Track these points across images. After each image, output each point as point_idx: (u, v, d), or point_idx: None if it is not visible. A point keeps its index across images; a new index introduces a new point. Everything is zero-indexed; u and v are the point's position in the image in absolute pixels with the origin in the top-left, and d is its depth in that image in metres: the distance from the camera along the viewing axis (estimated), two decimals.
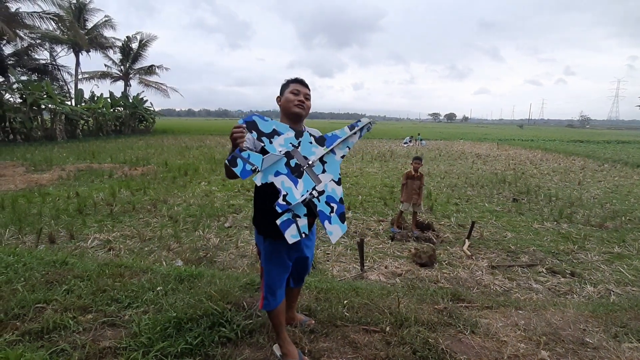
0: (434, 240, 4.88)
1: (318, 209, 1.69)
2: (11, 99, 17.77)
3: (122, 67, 30.87)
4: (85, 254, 3.88)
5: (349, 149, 1.77)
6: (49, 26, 19.97)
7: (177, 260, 3.85)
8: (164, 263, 3.68)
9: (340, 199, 1.72)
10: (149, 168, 10.26)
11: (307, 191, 1.68)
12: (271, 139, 1.68)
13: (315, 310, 2.43)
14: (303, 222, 1.69)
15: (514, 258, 4.33)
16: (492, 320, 2.41)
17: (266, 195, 1.73)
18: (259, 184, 1.65)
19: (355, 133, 1.75)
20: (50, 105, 18.49)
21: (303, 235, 1.70)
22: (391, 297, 2.63)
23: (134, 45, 30.28)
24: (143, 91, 31.12)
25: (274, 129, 1.68)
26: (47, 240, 4.30)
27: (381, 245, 4.63)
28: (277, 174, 1.67)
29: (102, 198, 6.49)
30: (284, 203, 1.65)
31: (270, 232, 1.81)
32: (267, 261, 1.87)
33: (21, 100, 17.58)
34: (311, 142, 1.73)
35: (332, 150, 1.74)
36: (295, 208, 1.67)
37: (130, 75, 31.35)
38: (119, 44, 29.70)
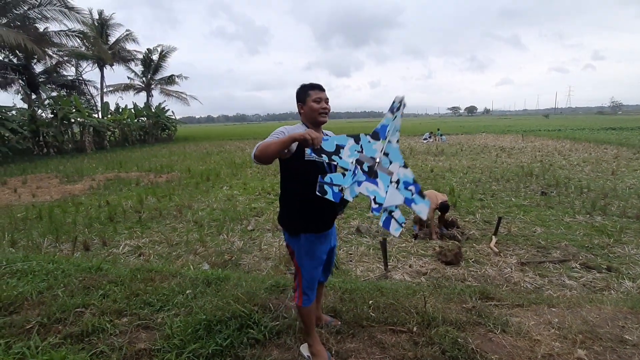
0: (459, 237, 4.78)
1: (403, 196, 1.76)
2: (43, 115, 18.79)
3: (144, 78, 31.95)
4: (117, 260, 4.05)
5: (399, 132, 1.79)
6: (75, 43, 20.96)
7: (204, 264, 3.95)
8: (192, 267, 3.78)
9: (413, 179, 1.77)
10: (173, 175, 10.58)
11: (388, 185, 1.74)
12: (340, 155, 1.74)
13: (340, 310, 2.43)
14: (397, 214, 1.78)
15: (544, 254, 4.18)
16: (523, 318, 2.34)
17: (300, 188, 1.80)
18: (350, 199, 1.74)
19: (396, 115, 1.76)
20: (79, 119, 19.41)
21: (403, 225, 1.79)
22: (417, 297, 2.60)
23: (155, 57, 31.28)
24: (164, 100, 32.13)
25: (336, 145, 1.75)
26: (82, 247, 4.52)
27: (404, 244, 4.58)
28: (359, 183, 1.74)
29: (131, 205, 6.75)
30: (377, 206, 1.74)
31: (304, 227, 1.87)
32: (303, 257, 1.90)
33: (52, 115, 18.54)
34: (369, 141, 1.77)
35: (388, 140, 1.76)
36: (388, 206, 1.76)
37: (152, 86, 32.40)
38: (140, 56, 30.78)
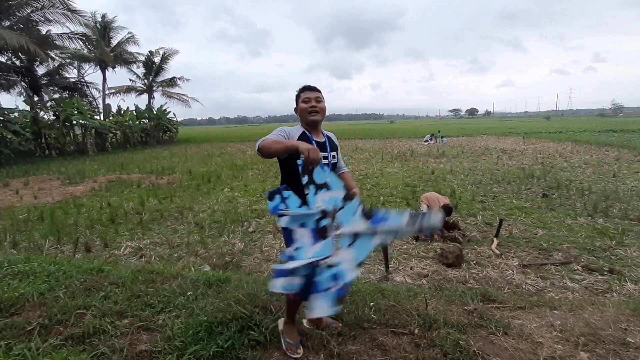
0: (460, 239, 4.77)
1: (316, 278, 1.54)
2: (45, 117, 18.86)
3: (145, 80, 32.07)
4: (118, 262, 4.06)
5: (395, 239, 1.68)
6: (77, 45, 21.03)
7: (205, 266, 3.95)
8: (193, 268, 3.78)
9: (349, 283, 1.56)
10: (174, 177, 10.60)
11: (320, 257, 1.54)
12: (318, 190, 1.58)
13: (341, 312, 2.43)
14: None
15: (546, 256, 4.17)
16: (525, 321, 2.33)
17: (298, 186, 1.80)
18: (281, 225, 1.63)
19: (413, 225, 1.53)
20: (81, 121, 19.48)
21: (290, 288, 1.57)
22: (418, 299, 2.59)
23: (157, 59, 31.42)
24: (166, 102, 32.27)
25: (326, 182, 1.61)
26: (84, 249, 4.52)
27: (405, 246, 4.57)
28: (302, 225, 1.59)
29: (132, 207, 6.76)
30: (292, 255, 1.58)
31: None
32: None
33: (54, 117, 18.61)
34: (355, 213, 1.59)
35: (374, 232, 1.56)
36: (299, 269, 1.53)
37: (154, 88, 32.50)
38: (142, 58, 30.90)
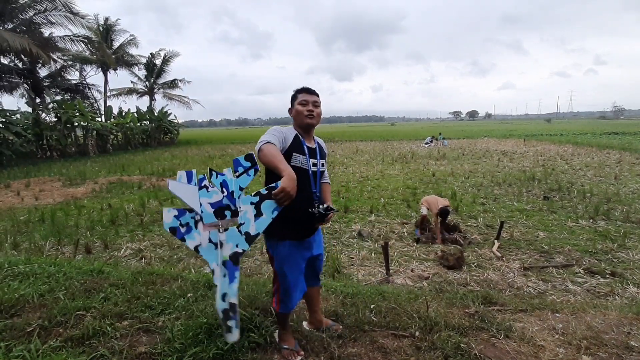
0: (461, 241, 4.76)
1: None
2: (47, 118, 18.91)
3: (147, 82, 32.15)
4: (119, 263, 4.05)
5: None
6: (79, 48, 21.12)
7: (205, 267, 3.95)
8: (193, 270, 3.78)
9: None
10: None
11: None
12: (257, 213, 1.66)
13: (342, 315, 2.42)
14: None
15: (547, 258, 4.15)
16: (527, 323, 2.31)
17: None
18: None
19: (219, 307, 1.66)
20: (82, 123, 19.53)
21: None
22: (419, 301, 2.58)
23: (158, 62, 31.50)
24: (167, 104, 32.35)
25: (262, 213, 1.66)
26: (84, 250, 4.52)
27: (406, 248, 4.56)
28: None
29: (133, 209, 6.76)
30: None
31: (287, 235, 1.86)
32: (282, 264, 1.90)
33: (56, 119, 18.66)
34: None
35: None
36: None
37: (155, 90, 32.58)
38: (144, 60, 31.00)
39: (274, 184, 1.61)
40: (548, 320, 2.35)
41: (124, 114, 25.68)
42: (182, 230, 1.66)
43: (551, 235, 4.88)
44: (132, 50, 29.22)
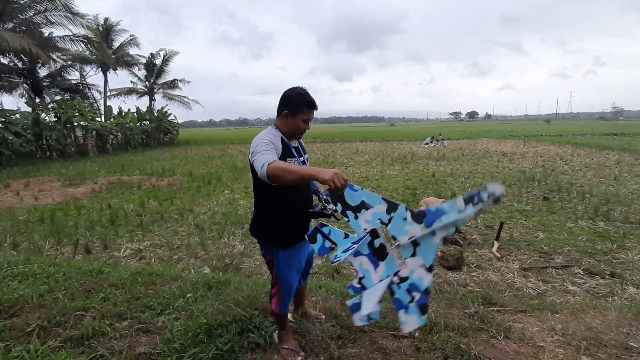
0: (461, 242, 4.76)
1: (395, 296, 1.46)
2: (47, 118, 18.90)
3: (146, 82, 32.15)
4: (118, 263, 4.05)
5: (455, 228, 1.47)
6: (79, 48, 21.10)
7: (205, 268, 3.94)
8: (193, 270, 3.77)
9: (427, 289, 1.43)
10: (174, 178, 10.60)
11: (388, 276, 1.44)
12: (357, 213, 1.47)
13: (341, 315, 2.42)
14: (373, 306, 1.47)
15: (547, 259, 4.15)
16: (526, 324, 2.31)
17: (285, 205, 1.75)
18: (337, 263, 1.50)
19: (467, 208, 1.34)
20: (82, 123, 19.52)
21: (371, 320, 1.51)
22: None
23: (158, 62, 31.50)
24: (167, 104, 32.29)
25: (362, 201, 1.48)
26: (84, 250, 4.52)
27: None
28: (357, 254, 1.47)
29: (132, 209, 6.75)
30: (359, 286, 1.48)
31: (288, 242, 1.84)
32: (284, 269, 1.88)
33: (56, 119, 18.65)
34: (405, 219, 1.44)
35: (432, 231, 1.40)
36: (375, 294, 1.45)
37: (155, 90, 32.57)
38: (144, 60, 31.00)
39: (325, 194, 1.50)
40: (548, 321, 2.35)
41: (123, 114, 25.67)
42: (417, 295, 1.45)
43: (551, 236, 4.89)
44: (132, 50, 29.25)
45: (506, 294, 3.26)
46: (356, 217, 1.48)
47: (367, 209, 1.47)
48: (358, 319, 1.51)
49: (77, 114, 19.20)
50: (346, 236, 1.54)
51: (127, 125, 24.43)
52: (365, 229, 1.48)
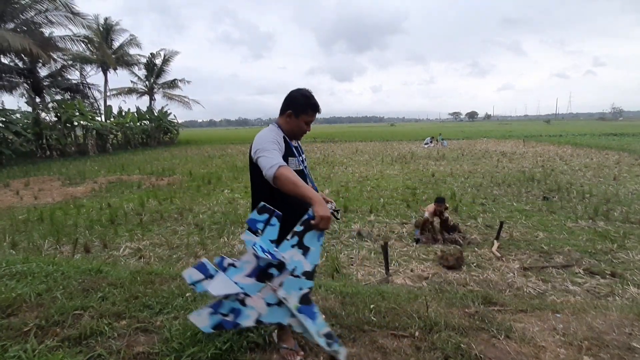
0: (461, 242, 4.75)
1: (223, 301, 1.56)
2: (47, 118, 18.90)
3: (146, 82, 32.14)
4: (117, 262, 4.04)
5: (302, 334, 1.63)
6: (80, 48, 21.10)
7: None
8: None
9: (239, 325, 1.56)
10: (174, 178, 10.59)
11: (242, 289, 1.54)
12: (297, 247, 1.55)
13: (341, 315, 2.40)
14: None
15: (547, 259, 4.14)
16: (527, 324, 2.30)
17: (287, 199, 1.73)
18: (244, 239, 1.55)
19: (322, 340, 1.56)
20: (82, 122, 19.53)
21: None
22: (419, 301, 2.57)
23: (158, 61, 31.48)
24: (167, 104, 32.31)
25: (309, 248, 1.56)
26: (83, 249, 4.51)
27: (405, 248, 4.55)
28: (256, 256, 1.53)
29: (132, 208, 6.74)
30: (225, 266, 1.56)
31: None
32: None
33: (56, 119, 18.65)
34: (300, 290, 1.57)
35: (293, 314, 1.56)
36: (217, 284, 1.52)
37: (155, 90, 32.56)
38: (144, 60, 30.99)
39: (306, 216, 1.53)
40: (548, 321, 2.34)
41: (123, 113, 25.66)
42: (230, 319, 1.56)
43: (550, 236, 4.87)
44: (133, 50, 29.23)
45: (506, 294, 3.25)
46: (292, 246, 1.56)
47: (304, 254, 1.55)
48: (188, 276, 1.54)
49: (77, 113, 19.21)
50: (273, 242, 1.58)
51: (127, 125, 24.43)
52: (283, 257, 1.54)
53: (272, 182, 1.57)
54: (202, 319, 1.57)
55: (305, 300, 1.56)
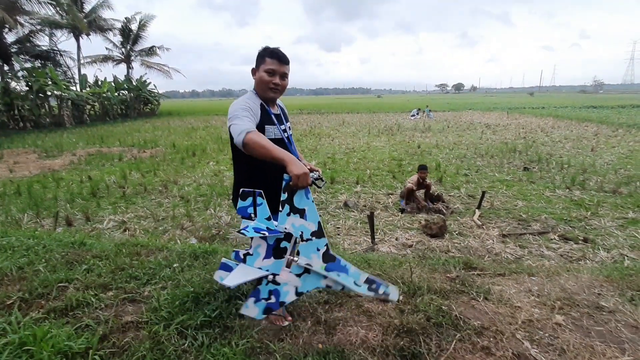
0: (444, 211, 4.87)
1: (258, 287, 1.61)
2: (17, 87, 17.82)
3: (123, 49, 30.43)
4: (101, 235, 3.98)
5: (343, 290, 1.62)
6: (48, 11, 19.68)
7: (191, 238, 3.93)
8: (179, 241, 3.75)
9: (284, 301, 1.59)
10: (157, 150, 10.32)
11: (267, 270, 1.58)
12: (292, 214, 1.53)
13: None
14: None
15: (525, 226, 4.31)
16: (504, 287, 2.42)
17: (267, 169, 1.70)
18: (242, 230, 1.53)
19: (366, 289, 1.52)
20: (56, 92, 18.52)
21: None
22: (403, 267, 2.65)
23: (134, 27, 29.68)
24: (145, 73, 30.91)
25: (303, 209, 1.53)
26: (65, 223, 4.41)
27: (391, 218, 4.64)
28: (263, 237, 1.56)
29: (114, 181, 6.59)
30: (242, 257, 1.62)
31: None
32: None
33: (27, 88, 17.60)
34: (318, 249, 1.54)
35: (324, 275, 1.55)
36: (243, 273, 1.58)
37: (132, 58, 30.93)
38: (119, 25, 29.15)
39: (284, 182, 1.50)
40: (524, 283, 2.46)
41: (100, 82, 24.42)
42: (273, 300, 1.59)
43: (529, 204, 5.05)
44: (106, 14, 27.41)
45: (486, 259, 3.39)
46: (288, 215, 1.54)
47: (301, 217, 1.53)
48: (219, 277, 1.67)
49: (49, 82, 18.14)
50: (269, 218, 1.59)
51: (105, 95, 23.31)
52: (285, 228, 1.54)
53: (243, 149, 1.50)
54: (251, 310, 1.61)
55: (327, 257, 1.55)
